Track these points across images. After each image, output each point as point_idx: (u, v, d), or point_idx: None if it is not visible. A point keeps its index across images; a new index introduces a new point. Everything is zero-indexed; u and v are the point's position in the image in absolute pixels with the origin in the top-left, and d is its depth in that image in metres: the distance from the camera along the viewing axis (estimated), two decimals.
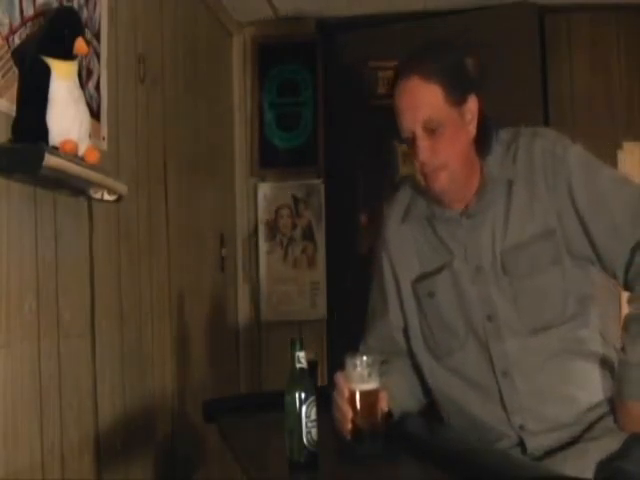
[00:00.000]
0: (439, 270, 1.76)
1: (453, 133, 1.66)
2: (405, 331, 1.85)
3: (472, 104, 1.70)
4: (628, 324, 1.66)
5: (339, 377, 1.57)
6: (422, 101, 1.65)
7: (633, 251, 1.64)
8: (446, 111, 1.65)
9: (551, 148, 1.69)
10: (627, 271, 1.66)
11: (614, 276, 1.69)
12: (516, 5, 3.36)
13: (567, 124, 3.39)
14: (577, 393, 1.69)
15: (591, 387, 1.70)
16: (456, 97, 1.67)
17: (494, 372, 1.70)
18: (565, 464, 1.61)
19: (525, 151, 1.71)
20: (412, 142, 1.68)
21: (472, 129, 1.70)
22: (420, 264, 1.80)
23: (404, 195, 1.87)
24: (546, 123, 3.32)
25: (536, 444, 1.68)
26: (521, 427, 1.69)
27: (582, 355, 1.69)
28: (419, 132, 1.66)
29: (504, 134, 1.76)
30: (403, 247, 1.84)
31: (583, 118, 3.45)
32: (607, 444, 1.62)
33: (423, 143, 1.66)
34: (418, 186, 1.77)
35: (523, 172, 1.70)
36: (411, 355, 1.85)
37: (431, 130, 1.65)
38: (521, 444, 1.70)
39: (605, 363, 1.71)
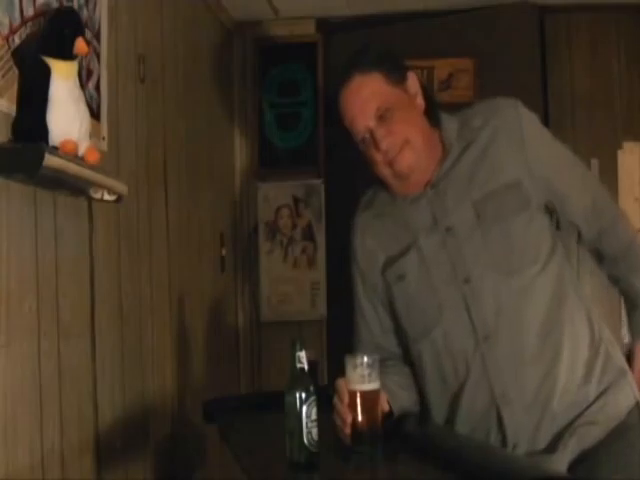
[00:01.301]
0: (405, 251, 1.78)
1: (404, 111, 1.73)
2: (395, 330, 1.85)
3: (412, 79, 1.78)
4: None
5: (340, 383, 1.58)
6: (369, 93, 1.72)
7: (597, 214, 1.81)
8: (392, 93, 1.73)
9: (513, 109, 1.77)
10: (590, 230, 1.83)
11: (572, 224, 1.83)
12: (516, 5, 3.37)
13: (567, 124, 3.40)
14: (559, 353, 1.68)
15: (574, 347, 1.70)
16: (396, 77, 1.75)
17: (476, 338, 1.69)
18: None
19: (481, 114, 1.79)
20: (370, 139, 1.73)
21: (420, 101, 1.78)
22: (385, 249, 1.83)
23: (366, 198, 1.95)
24: (546, 123, 3.31)
25: (514, 425, 1.67)
26: (502, 396, 1.68)
27: (564, 309, 1.71)
28: (373, 124, 1.72)
29: (465, 111, 1.84)
30: (369, 233, 1.87)
31: (583, 118, 3.45)
32: (580, 443, 1.64)
33: (380, 131, 1.71)
34: (382, 184, 1.83)
35: (481, 131, 1.76)
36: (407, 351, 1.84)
37: (383, 117, 1.71)
38: (500, 424, 1.69)
39: (582, 313, 1.75)
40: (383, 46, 1.83)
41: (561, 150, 1.83)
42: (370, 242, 1.86)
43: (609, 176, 3.35)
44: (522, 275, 1.70)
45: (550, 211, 1.78)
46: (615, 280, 1.87)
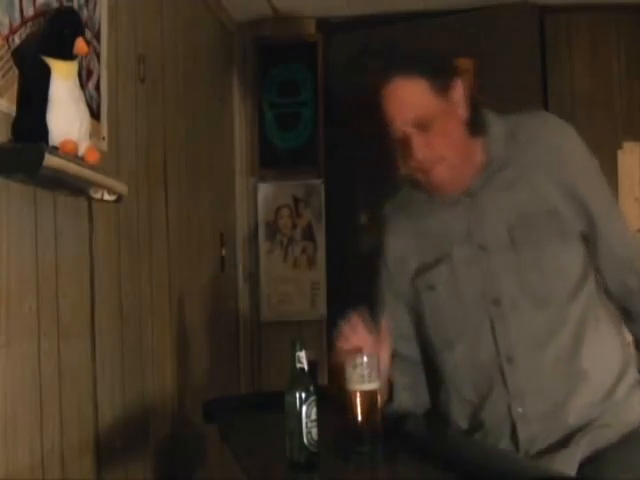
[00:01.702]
0: (438, 262, 1.75)
1: (445, 123, 1.66)
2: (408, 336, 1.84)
3: (458, 88, 1.69)
4: None
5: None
6: (409, 101, 1.65)
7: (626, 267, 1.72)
8: (434, 103, 1.65)
9: (558, 142, 1.71)
10: (616, 281, 1.74)
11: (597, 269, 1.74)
12: (516, 5, 3.37)
13: None
14: (581, 378, 1.68)
15: (597, 367, 1.69)
16: (441, 85, 1.66)
17: (499, 359, 1.69)
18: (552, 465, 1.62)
19: (532, 135, 1.72)
20: (405, 141, 1.67)
21: (462, 112, 1.70)
22: (419, 257, 1.79)
23: (401, 194, 1.87)
24: None
25: (528, 434, 1.68)
26: (521, 410, 1.68)
27: (588, 329, 1.69)
28: (411, 130, 1.65)
29: (512, 118, 1.76)
30: (401, 247, 1.83)
31: (583, 118, 3.45)
32: (591, 443, 1.64)
33: (417, 140, 1.65)
34: (414, 183, 1.76)
35: (528, 154, 1.70)
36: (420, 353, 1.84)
37: (422, 126, 1.64)
38: (514, 434, 1.69)
39: (612, 337, 1.73)
40: (432, 49, 1.75)
41: (603, 187, 1.78)
42: (402, 247, 1.82)
43: (609, 176, 3.30)
44: (552, 304, 1.67)
45: (585, 238, 1.73)
46: None
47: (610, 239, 1.73)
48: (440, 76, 1.66)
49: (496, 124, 1.74)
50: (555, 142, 1.71)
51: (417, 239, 1.80)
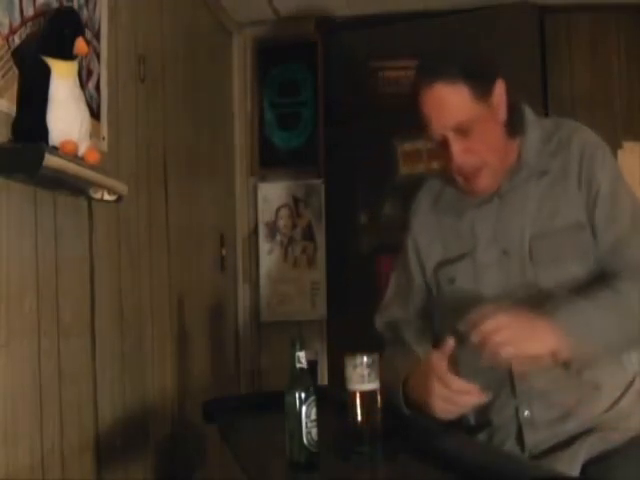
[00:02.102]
0: (461, 257, 1.76)
1: (485, 128, 1.63)
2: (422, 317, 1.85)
3: (499, 90, 1.67)
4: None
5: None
6: (450, 106, 1.61)
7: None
8: (475, 109, 1.62)
9: (592, 151, 1.69)
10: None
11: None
12: (516, 5, 3.36)
13: None
14: (591, 388, 1.68)
15: (605, 381, 1.68)
16: (483, 90, 1.63)
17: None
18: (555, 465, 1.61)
19: (565, 146, 1.70)
20: (444, 144, 1.65)
21: (502, 114, 1.68)
22: (443, 250, 1.80)
23: (434, 184, 1.86)
24: None
25: (534, 439, 1.68)
26: (527, 415, 1.68)
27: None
28: (451, 135, 1.62)
29: (546, 122, 1.75)
30: (429, 233, 1.84)
31: (583, 118, 3.41)
32: (596, 444, 1.64)
33: (457, 146, 1.63)
34: (448, 180, 1.76)
35: (559, 165, 1.69)
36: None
37: (462, 132, 1.62)
38: (519, 437, 1.70)
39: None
40: (472, 50, 1.72)
41: (623, 196, 1.70)
42: (429, 239, 1.83)
43: None
44: None
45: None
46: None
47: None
48: (482, 80, 1.64)
49: (534, 127, 1.72)
50: (587, 151, 1.69)
51: (446, 234, 1.80)
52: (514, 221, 1.71)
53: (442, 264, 1.79)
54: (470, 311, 1.70)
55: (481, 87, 1.63)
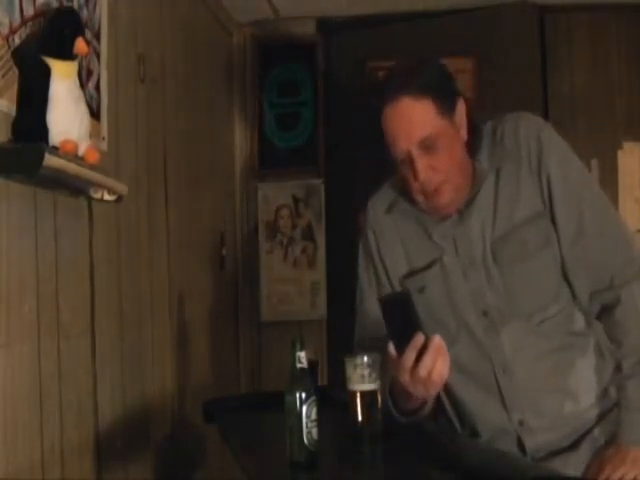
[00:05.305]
0: (429, 266, 1.75)
1: (449, 144, 1.63)
2: None
3: (460, 107, 1.67)
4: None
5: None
6: (416, 121, 1.60)
7: (606, 282, 1.65)
8: (440, 124, 1.61)
9: (536, 133, 1.68)
10: (592, 298, 1.68)
11: (568, 284, 1.69)
12: (516, 5, 3.37)
13: (567, 124, 3.39)
14: (575, 384, 1.69)
15: (588, 376, 1.70)
16: (447, 106, 1.63)
17: (493, 368, 1.69)
18: (565, 469, 1.62)
19: (510, 135, 1.69)
20: (408, 163, 1.64)
21: (464, 133, 1.68)
22: (408, 260, 1.79)
23: (387, 192, 1.84)
24: None
25: (534, 444, 1.68)
26: (520, 423, 1.69)
27: (578, 341, 1.70)
28: (415, 152, 1.61)
29: (488, 124, 1.74)
30: (389, 237, 1.82)
31: (583, 118, 3.45)
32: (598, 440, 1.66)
33: (421, 162, 1.61)
34: (410, 199, 1.74)
35: (509, 156, 1.68)
36: None
37: (426, 148, 1.61)
38: (520, 443, 1.70)
39: (601, 350, 1.72)
40: (438, 67, 1.70)
41: (584, 186, 1.71)
42: (389, 250, 1.81)
43: (609, 176, 3.35)
44: (541, 314, 1.67)
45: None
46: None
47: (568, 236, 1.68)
48: (445, 96, 1.63)
49: (484, 136, 1.72)
50: (532, 134, 1.68)
51: (406, 246, 1.79)
52: (474, 230, 1.70)
53: (410, 274, 1.78)
54: (446, 319, 1.71)
55: (445, 103, 1.63)
